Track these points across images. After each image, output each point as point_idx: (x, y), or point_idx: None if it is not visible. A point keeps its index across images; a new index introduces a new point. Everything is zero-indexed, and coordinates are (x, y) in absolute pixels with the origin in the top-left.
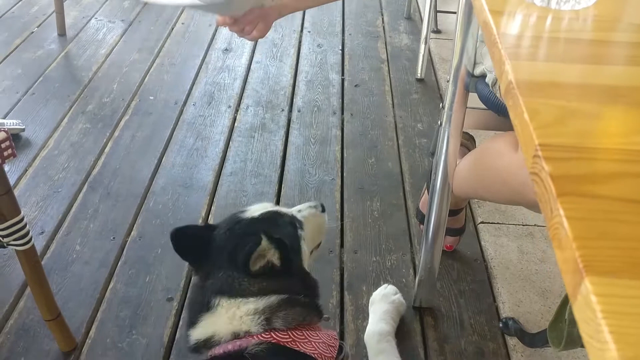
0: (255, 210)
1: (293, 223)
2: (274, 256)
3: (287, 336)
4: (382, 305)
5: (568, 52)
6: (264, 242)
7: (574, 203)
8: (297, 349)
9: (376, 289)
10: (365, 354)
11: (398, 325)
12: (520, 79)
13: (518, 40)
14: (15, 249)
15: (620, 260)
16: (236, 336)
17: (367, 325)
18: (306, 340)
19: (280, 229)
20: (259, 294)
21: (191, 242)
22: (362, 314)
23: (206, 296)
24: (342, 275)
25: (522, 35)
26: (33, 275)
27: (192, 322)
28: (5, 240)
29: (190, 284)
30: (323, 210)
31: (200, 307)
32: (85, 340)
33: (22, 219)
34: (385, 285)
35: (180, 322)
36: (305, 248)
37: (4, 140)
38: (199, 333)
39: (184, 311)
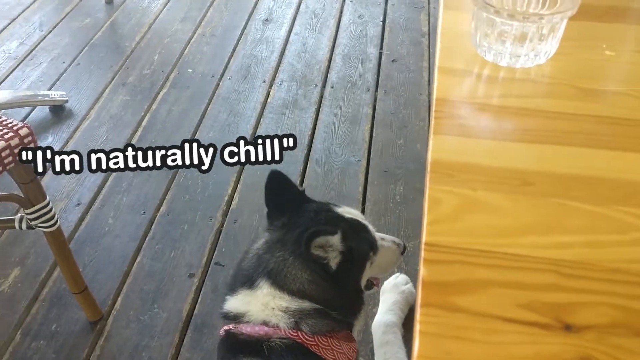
0: (347, 212)
1: (372, 243)
2: (334, 258)
3: (313, 340)
4: (392, 295)
5: (498, 125)
6: (337, 238)
7: (432, 316)
8: (319, 353)
9: (390, 275)
10: (371, 341)
11: (407, 314)
12: (437, 159)
13: (455, 107)
14: (43, 231)
15: None
16: (265, 324)
17: (376, 312)
18: (329, 348)
19: (358, 240)
20: (295, 295)
21: (282, 194)
22: (373, 301)
23: (255, 272)
24: None
25: (462, 102)
26: (60, 254)
27: (232, 290)
28: (33, 222)
29: (253, 237)
30: (402, 253)
31: (245, 280)
32: (111, 311)
33: (47, 204)
34: (397, 274)
35: (200, 298)
36: (368, 271)
37: (26, 136)
38: (234, 305)
39: (205, 283)
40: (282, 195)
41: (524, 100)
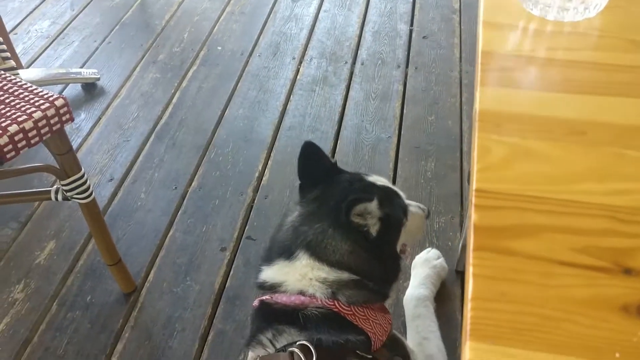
0: (378, 180)
1: (405, 209)
2: (374, 226)
3: (349, 309)
4: (424, 269)
5: (547, 77)
6: (374, 204)
7: (486, 259)
8: (355, 323)
9: (421, 250)
10: (402, 314)
11: (439, 288)
12: (484, 109)
13: (501, 60)
14: (78, 202)
15: (509, 325)
16: (302, 293)
17: (407, 286)
18: (365, 317)
19: (393, 207)
20: (335, 266)
21: (315, 165)
22: (404, 275)
23: (294, 244)
24: None
25: (508, 55)
26: (94, 226)
27: (269, 260)
28: (69, 194)
29: (284, 211)
30: (427, 217)
31: (282, 251)
32: (144, 283)
33: (82, 176)
34: (429, 249)
35: (231, 272)
36: (403, 237)
37: (62, 107)
38: (270, 275)
39: (237, 257)
40: (315, 166)
41: (573, 53)
